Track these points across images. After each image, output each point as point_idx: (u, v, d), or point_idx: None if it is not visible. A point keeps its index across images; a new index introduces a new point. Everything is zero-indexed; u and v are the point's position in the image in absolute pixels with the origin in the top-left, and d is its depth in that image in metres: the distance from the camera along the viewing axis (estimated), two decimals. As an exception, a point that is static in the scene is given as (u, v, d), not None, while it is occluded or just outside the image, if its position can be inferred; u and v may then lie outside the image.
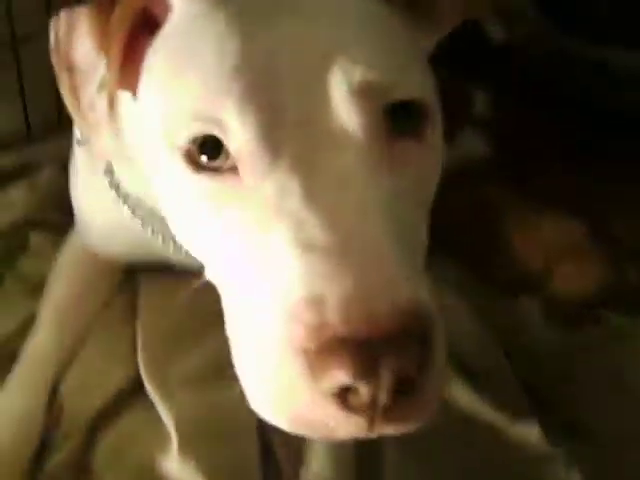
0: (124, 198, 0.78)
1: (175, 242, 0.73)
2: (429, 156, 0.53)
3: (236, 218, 0.48)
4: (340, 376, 0.40)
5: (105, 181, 0.78)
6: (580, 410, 0.89)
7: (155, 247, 0.82)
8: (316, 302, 0.42)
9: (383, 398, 0.41)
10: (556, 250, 1.07)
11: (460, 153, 1.19)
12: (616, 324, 1.04)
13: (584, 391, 0.93)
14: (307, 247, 0.43)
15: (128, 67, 0.56)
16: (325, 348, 0.40)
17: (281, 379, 0.43)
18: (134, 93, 0.58)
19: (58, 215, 1.07)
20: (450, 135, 1.14)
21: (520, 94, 1.38)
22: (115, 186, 0.78)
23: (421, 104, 0.51)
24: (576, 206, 1.15)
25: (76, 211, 0.92)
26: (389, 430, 0.44)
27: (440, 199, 0.79)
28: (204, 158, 0.49)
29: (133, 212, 0.78)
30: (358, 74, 0.48)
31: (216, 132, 0.48)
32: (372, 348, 0.40)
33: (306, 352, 0.41)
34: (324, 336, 0.41)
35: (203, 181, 0.49)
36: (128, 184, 0.77)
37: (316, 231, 0.44)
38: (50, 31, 0.59)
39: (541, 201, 1.13)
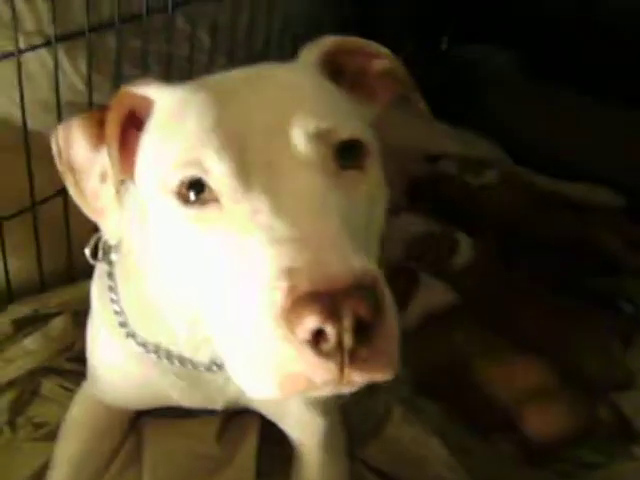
0: (142, 345, 0.86)
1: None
2: (371, 183, 0.67)
3: (220, 234, 0.61)
4: (311, 321, 0.51)
5: (122, 336, 0.87)
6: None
7: (167, 392, 0.90)
8: (287, 272, 0.53)
9: (348, 340, 0.51)
10: (527, 392, 1.12)
11: (429, 301, 1.28)
12: (590, 461, 1.11)
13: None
14: (277, 242, 0.56)
15: (124, 158, 0.70)
16: (297, 303, 0.52)
17: (267, 342, 0.54)
18: (132, 177, 0.72)
19: (69, 362, 1.13)
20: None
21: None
22: (131, 335, 0.86)
23: (361, 143, 0.67)
24: (549, 347, 1.21)
25: (91, 365, 0.99)
26: (358, 377, 0.53)
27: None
28: (192, 195, 0.62)
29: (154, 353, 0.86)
30: (313, 123, 0.63)
31: (200, 174, 0.61)
32: (333, 297, 0.51)
33: (283, 311, 0.52)
34: (296, 294, 0.52)
35: (193, 211, 0.62)
36: (142, 330, 0.86)
37: (283, 231, 0.56)
38: (52, 144, 0.73)
39: (514, 344, 1.20)
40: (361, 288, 0.53)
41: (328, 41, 0.77)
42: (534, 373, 1.15)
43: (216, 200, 0.62)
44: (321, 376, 0.53)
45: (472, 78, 2.01)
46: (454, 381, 1.17)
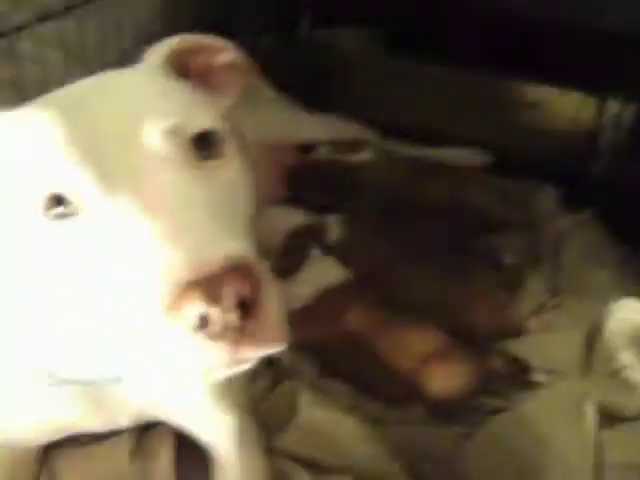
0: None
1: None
2: (232, 169, 0.70)
3: (93, 244, 0.60)
4: (194, 307, 0.53)
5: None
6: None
7: (69, 419, 0.89)
8: (165, 268, 0.55)
9: (233, 319, 0.54)
10: (424, 355, 1.17)
11: (317, 282, 1.32)
12: (493, 407, 1.17)
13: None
14: (150, 241, 0.56)
15: None
16: (179, 295, 0.53)
17: (160, 338, 0.55)
18: None
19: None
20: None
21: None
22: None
23: (215, 133, 0.69)
24: (439, 307, 1.28)
25: None
26: (251, 352, 0.56)
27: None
28: (56, 210, 0.62)
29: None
30: (162, 121, 0.64)
31: (61, 190, 0.61)
32: (212, 282, 0.53)
33: (167, 306, 0.54)
34: (176, 287, 0.54)
35: (59, 225, 0.62)
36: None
37: (154, 229, 0.57)
38: None
39: (405, 311, 1.25)
40: (237, 269, 0.55)
41: (170, 42, 0.78)
42: (428, 337, 1.20)
43: (80, 212, 0.62)
44: (216, 357, 0.55)
45: (334, 61, 2.05)
46: (355, 357, 1.21)
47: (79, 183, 0.61)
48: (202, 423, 0.96)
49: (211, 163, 0.67)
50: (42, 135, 0.64)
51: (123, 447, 1.00)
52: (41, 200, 0.62)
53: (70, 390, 0.84)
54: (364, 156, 1.74)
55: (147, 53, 0.79)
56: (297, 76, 2.03)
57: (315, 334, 1.23)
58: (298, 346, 1.23)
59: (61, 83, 0.73)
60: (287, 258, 1.37)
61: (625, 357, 1.21)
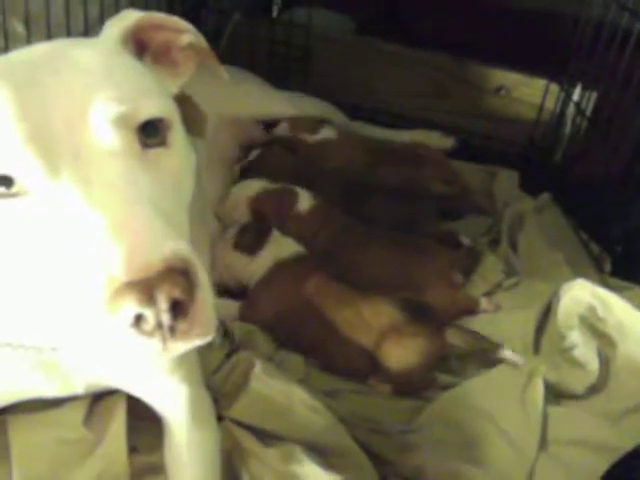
0: None
1: None
2: (176, 156, 0.71)
3: (35, 226, 0.61)
4: (130, 308, 0.55)
5: None
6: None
7: (24, 384, 0.89)
8: (103, 264, 0.57)
9: (166, 319, 0.57)
10: (381, 330, 1.19)
11: (278, 252, 1.34)
12: (446, 383, 1.20)
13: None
14: (91, 233, 0.58)
15: None
16: (116, 293, 0.56)
17: (97, 321, 0.58)
18: None
19: None
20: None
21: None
22: None
23: (162, 120, 0.69)
24: (395, 284, 1.31)
25: None
26: (180, 346, 0.59)
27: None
28: (2, 189, 0.62)
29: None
30: (112, 109, 0.64)
31: (7, 171, 0.61)
32: (148, 284, 0.56)
33: (105, 301, 0.56)
34: (114, 285, 0.56)
35: (5, 204, 0.62)
36: None
37: (95, 222, 0.58)
38: None
39: (362, 287, 1.27)
40: (173, 271, 0.57)
41: (131, 16, 0.78)
42: (384, 312, 1.22)
43: (26, 193, 0.62)
44: (148, 349, 0.59)
45: (304, 41, 2.06)
46: (312, 329, 1.23)
47: (26, 166, 0.61)
48: (155, 393, 0.97)
49: (156, 151, 0.68)
50: None
51: (76, 413, 1.00)
52: None
53: (23, 355, 0.84)
54: (324, 135, 1.75)
55: (107, 24, 0.78)
56: (266, 54, 2.04)
57: (271, 306, 1.26)
58: (254, 319, 1.25)
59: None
60: (251, 233, 1.38)
61: (574, 336, 1.24)
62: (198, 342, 0.61)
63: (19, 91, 0.64)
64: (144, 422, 1.01)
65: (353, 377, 1.22)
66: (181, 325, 0.58)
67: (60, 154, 0.62)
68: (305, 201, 1.48)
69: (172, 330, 0.58)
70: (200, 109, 1.15)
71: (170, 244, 0.59)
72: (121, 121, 0.65)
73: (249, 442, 1.01)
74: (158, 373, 0.93)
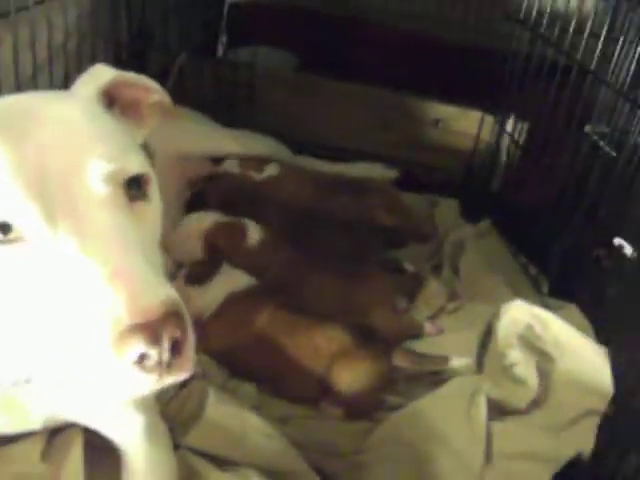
0: None
1: None
2: (156, 209, 0.77)
3: (34, 272, 0.65)
4: (137, 348, 0.61)
5: None
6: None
7: None
8: (112, 310, 0.61)
9: (166, 357, 0.63)
10: (331, 356, 1.24)
11: (227, 289, 1.37)
12: (395, 404, 1.24)
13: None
14: (92, 281, 0.62)
15: None
16: (124, 334, 0.60)
17: (99, 368, 0.63)
18: None
19: None
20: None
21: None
22: None
23: (143, 176, 0.75)
24: (342, 311, 1.36)
25: None
26: (171, 380, 0.65)
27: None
28: (1, 235, 0.65)
29: None
30: (105, 166, 0.69)
31: (7, 219, 0.65)
32: (152, 326, 0.61)
33: (111, 343, 0.61)
34: (119, 327, 0.61)
35: (3, 249, 0.65)
36: None
37: (95, 270, 0.63)
38: None
39: (311, 315, 1.32)
40: (171, 314, 0.63)
41: (106, 75, 0.83)
42: (334, 337, 1.26)
43: (23, 239, 0.66)
44: (145, 385, 0.64)
45: (248, 79, 2.11)
46: (264, 358, 1.27)
47: (26, 215, 0.65)
48: (111, 423, 0.99)
49: (139, 204, 0.73)
50: None
51: (33, 448, 1.01)
52: None
53: None
54: (269, 172, 1.81)
55: (79, 81, 0.83)
56: (213, 92, 2.09)
57: (225, 338, 1.29)
58: (208, 351, 1.28)
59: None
60: (201, 267, 1.41)
61: (514, 354, 1.30)
62: (186, 375, 0.67)
63: (13, 143, 0.67)
64: (101, 453, 1.03)
65: (305, 402, 1.26)
66: (176, 361, 0.64)
67: (56, 205, 0.66)
68: (255, 234, 1.52)
69: (168, 366, 0.63)
70: (148, 146, 1.19)
71: (163, 289, 0.65)
72: (111, 177, 0.69)
73: (206, 469, 1.03)
74: (115, 405, 0.95)
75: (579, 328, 1.32)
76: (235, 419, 1.09)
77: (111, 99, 0.84)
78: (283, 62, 2.37)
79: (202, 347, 1.29)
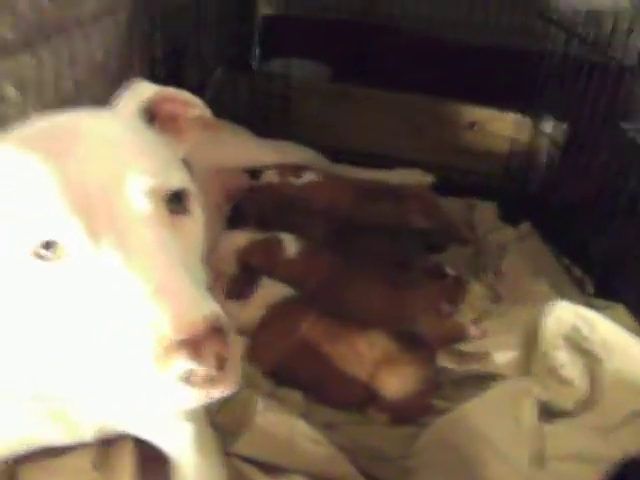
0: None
1: None
2: (198, 223, 0.77)
3: (78, 289, 0.66)
4: (183, 363, 0.61)
5: None
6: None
7: (32, 434, 0.92)
8: (156, 326, 0.62)
9: (212, 372, 0.63)
10: (376, 362, 1.24)
11: (269, 301, 1.39)
12: (442, 408, 1.24)
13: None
14: (137, 297, 0.63)
15: None
16: (169, 350, 0.61)
17: (145, 384, 0.63)
18: None
19: None
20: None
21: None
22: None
23: (184, 190, 0.75)
24: (386, 316, 1.37)
25: None
26: (217, 394, 0.65)
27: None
28: (46, 253, 0.67)
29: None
30: (147, 181, 0.70)
31: (53, 237, 0.66)
32: (197, 342, 0.61)
33: (156, 358, 0.61)
34: (164, 343, 0.61)
35: (49, 267, 0.67)
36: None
37: (139, 286, 0.63)
38: None
39: (354, 321, 1.32)
40: (215, 330, 0.63)
41: (147, 90, 0.84)
42: (377, 344, 1.27)
43: (68, 256, 0.67)
44: (192, 400, 0.64)
45: (283, 90, 2.14)
46: (309, 366, 1.27)
47: (71, 233, 0.66)
48: (161, 433, 1.00)
49: (181, 219, 0.74)
50: (33, 181, 0.68)
51: (85, 460, 1.03)
52: (31, 244, 0.66)
53: (32, 405, 0.87)
54: (308, 179, 1.82)
55: (120, 98, 0.84)
56: (248, 104, 2.12)
57: (269, 349, 1.30)
58: (254, 362, 1.29)
59: (19, 118, 0.77)
60: (241, 282, 1.43)
61: (560, 356, 1.29)
62: (233, 390, 0.67)
63: (57, 162, 0.68)
64: (152, 462, 1.04)
65: (351, 409, 1.26)
66: (220, 376, 0.64)
67: (99, 222, 0.67)
68: (292, 246, 1.53)
69: (213, 381, 0.64)
70: (186, 161, 1.20)
71: (207, 304, 0.65)
72: (153, 192, 0.70)
73: (256, 476, 1.04)
74: (165, 415, 0.96)
75: (627, 328, 1.30)
76: (283, 426, 1.10)
77: (152, 114, 0.84)
78: (316, 73, 2.39)
79: (248, 359, 1.31)
